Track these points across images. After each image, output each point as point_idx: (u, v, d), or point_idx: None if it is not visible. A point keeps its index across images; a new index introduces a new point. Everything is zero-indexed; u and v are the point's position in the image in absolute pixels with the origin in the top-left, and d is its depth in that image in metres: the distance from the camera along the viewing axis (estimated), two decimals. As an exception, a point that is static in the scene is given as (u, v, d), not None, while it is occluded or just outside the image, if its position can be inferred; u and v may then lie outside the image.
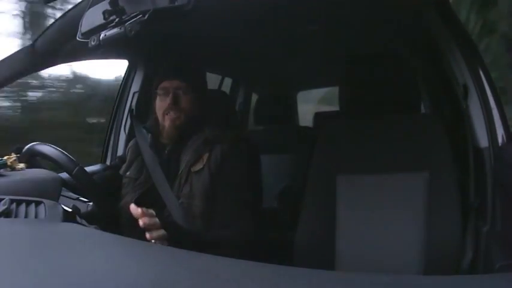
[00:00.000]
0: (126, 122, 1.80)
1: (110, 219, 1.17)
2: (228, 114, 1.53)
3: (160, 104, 1.30)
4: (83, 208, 1.14)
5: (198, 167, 1.26)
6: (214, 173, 1.25)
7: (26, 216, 0.87)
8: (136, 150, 1.39)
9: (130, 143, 1.46)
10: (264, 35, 1.64)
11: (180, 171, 1.27)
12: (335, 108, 2.59)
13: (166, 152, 1.33)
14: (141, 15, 0.81)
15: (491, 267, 1.06)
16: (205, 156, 1.26)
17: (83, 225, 1.07)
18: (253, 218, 1.29)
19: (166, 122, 1.29)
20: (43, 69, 1.33)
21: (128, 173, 1.36)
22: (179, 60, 1.37)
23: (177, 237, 1.10)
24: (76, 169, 1.12)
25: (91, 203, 1.17)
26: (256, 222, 1.33)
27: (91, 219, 1.14)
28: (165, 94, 1.29)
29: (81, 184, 1.15)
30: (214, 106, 1.37)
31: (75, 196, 1.20)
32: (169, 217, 1.24)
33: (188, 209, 1.24)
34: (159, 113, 1.31)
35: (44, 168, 1.20)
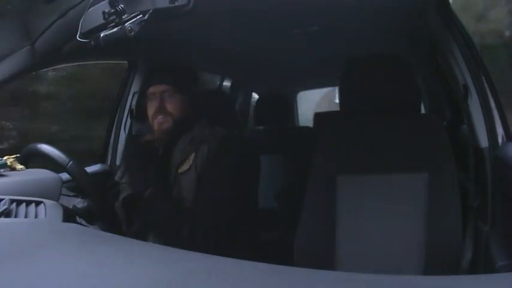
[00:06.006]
0: (126, 122, 1.80)
1: (106, 214, 1.17)
2: (221, 113, 1.53)
3: (150, 108, 1.32)
4: (79, 204, 1.14)
5: (185, 167, 1.26)
6: (200, 172, 1.25)
7: (26, 216, 0.87)
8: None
9: (128, 149, 1.47)
10: (264, 35, 1.64)
11: (168, 173, 1.28)
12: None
13: (160, 154, 1.34)
14: (141, 15, 0.81)
15: (491, 267, 1.06)
16: (192, 157, 1.26)
17: (83, 225, 1.07)
18: (246, 217, 1.29)
19: (155, 126, 1.30)
20: (43, 69, 1.33)
21: (123, 179, 1.37)
22: (163, 64, 1.38)
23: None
24: (70, 163, 1.12)
25: (87, 199, 1.17)
26: (251, 222, 1.34)
27: (89, 216, 1.14)
28: (153, 99, 1.31)
29: (75, 178, 1.15)
30: (206, 105, 1.37)
31: (73, 193, 1.21)
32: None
33: (178, 209, 1.25)
34: (149, 117, 1.32)
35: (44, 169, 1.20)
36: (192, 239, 1.19)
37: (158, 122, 1.29)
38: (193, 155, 1.26)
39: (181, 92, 1.30)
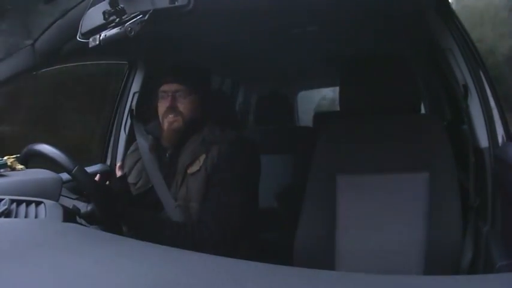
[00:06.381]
0: (126, 122, 1.80)
1: (110, 219, 1.17)
2: (227, 115, 1.53)
3: (161, 107, 1.31)
4: (82, 208, 1.14)
5: (195, 168, 1.25)
6: (210, 173, 1.24)
7: (26, 216, 0.87)
8: (136, 155, 1.39)
9: (130, 150, 1.46)
10: (264, 35, 1.64)
11: (176, 173, 1.27)
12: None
13: (167, 155, 1.33)
14: (141, 16, 0.81)
15: (491, 267, 1.06)
16: (202, 158, 1.25)
17: (83, 225, 1.07)
18: (249, 218, 1.29)
19: (165, 125, 1.29)
20: (43, 69, 1.33)
21: (128, 179, 1.36)
22: (179, 63, 1.37)
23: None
24: (75, 169, 1.12)
25: (90, 203, 1.17)
26: (253, 223, 1.33)
27: (91, 219, 1.14)
28: (165, 97, 1.29)
29: (80, 184, 1.15)
30: (214, 107, 1.37)
31: (75, 196, 1.20)
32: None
33: (185, 210, 1.24)
34: (160, 115, 1.31)
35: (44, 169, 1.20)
36: (199, 241, 1.18)
37: (168, 121, 1.28)
38: (203, 156, 1.26)
39: (194, 93, 1.29)
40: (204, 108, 1.32)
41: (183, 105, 1.28)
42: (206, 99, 1.33)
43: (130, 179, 1.36)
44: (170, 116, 1.28)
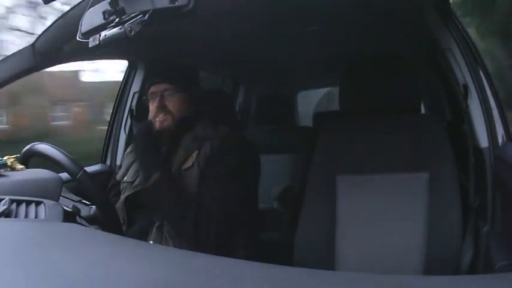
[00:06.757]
0: (126, 122, 1.80)
1: (113, 223, 1.17)
2: (223, 113, 1.54)
3: (151, 108, 1.32)
4: (85, 212, 1.14)
5: (188, 164, 1.26)
6: (202, 168, 1.25)
7: (26, 216, 0.87)
8: (133, 155, 1.40)
9: (128, 149, 1.47)
10: (264, 35, 1.64)
11: (172, 171, 1.28)
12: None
13: (162, 153, 1.34)
14: (141, 15, 0.81)
15: (491, 267, 1.06)
16: (195, 154, 1.26)
17: (83, 225, 1.07)
18: (246, 216, 1.29)
19: (156, 125, 1.30)
20: (43, 69, 1.33)
21: (125, 178, 1.37)
22: (164, 63, 1.38)
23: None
24: (80, 173, 1.12)
25: (93, 207, 1.17)
26: (253, 222, 1.33)
27: (94, 223, 1.14)
28: (154, 98, 1.31)
29: (85, 188, 1.15)
30: (207, 104, 1.38)
31: (78, 198, 1.20)
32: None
33: (184, 197, 1.25)
34: (151, 116, 1.32)
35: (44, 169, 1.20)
36: (196, 229, 1.19)
37: (159, 121, 1.29)
38: (196, 152, 1.27)
39: (182, 91, 1.31)
40: (195, 106, 1.32)
41: (171, 104, 1.29)
42: (195, 97, 1.34)
43: (128, 178, 1.37)
44: (160, 115, 1.29)
